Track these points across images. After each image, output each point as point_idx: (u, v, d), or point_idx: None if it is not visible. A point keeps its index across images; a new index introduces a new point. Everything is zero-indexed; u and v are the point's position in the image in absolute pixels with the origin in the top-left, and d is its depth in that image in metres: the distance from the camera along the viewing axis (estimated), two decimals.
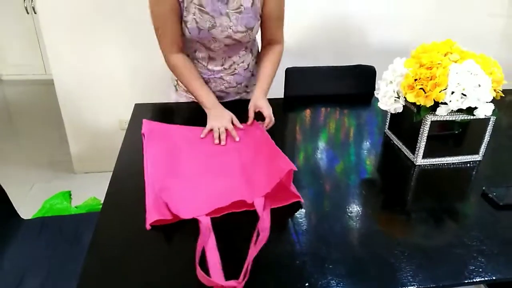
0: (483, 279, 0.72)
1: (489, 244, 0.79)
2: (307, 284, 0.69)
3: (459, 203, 0.94)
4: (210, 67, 1.29)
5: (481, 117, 0.97)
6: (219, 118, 1.17)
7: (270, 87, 1.28)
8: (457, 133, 1.11)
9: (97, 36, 1.98)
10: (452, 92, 0.94)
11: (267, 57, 1.30)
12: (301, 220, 0.85)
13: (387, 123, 1.21)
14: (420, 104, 0.98)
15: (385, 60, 1.15)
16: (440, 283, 0.70)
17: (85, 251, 0.75)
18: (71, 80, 2.07)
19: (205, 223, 0.79)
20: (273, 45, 1.31)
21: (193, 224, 0.80)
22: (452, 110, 0.97)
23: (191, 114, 1.30)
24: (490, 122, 1.04)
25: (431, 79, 0.95)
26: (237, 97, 1.41)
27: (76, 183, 2.26)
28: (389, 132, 1.20)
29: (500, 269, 0.74)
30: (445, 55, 1.01)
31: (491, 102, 0.97)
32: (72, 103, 2.13)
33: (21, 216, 1.24)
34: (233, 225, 0.82)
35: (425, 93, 0.96)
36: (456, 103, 0.94)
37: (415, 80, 0.98)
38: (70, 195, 1.74)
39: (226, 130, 1.14)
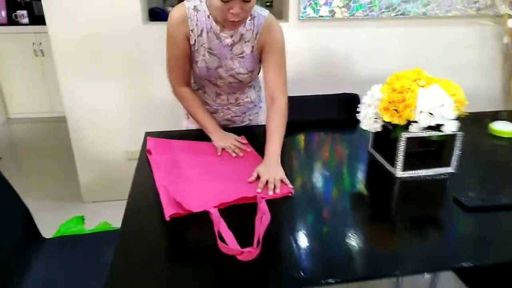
0: (455, 266, 0.85)
1: (460, 238, 0.93)
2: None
3: (434, 209, 1.08)
4: (218, 101, 1.47)
5: (448, 133, 1.13)
6: (224, 139, 1.35)
7: (278, 145, 1.24)
8: (433, 150, 1.26)
9: (105, 73, 2.17)
10: (421, 112, 1.10)
11: (271, 120, 1.30)
12: (295, 218, 0.98)
13: (370, 142, 1.37)
14: (396, 123, 1.14)
15: (368, 88, 1.32)
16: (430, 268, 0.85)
17: (104, 266, 0.86)
18: (82, 115, 2.24)
19: (215, 213, 0.96)
20: (274, 102, 1.33)
21: (204, 218, 0.97)
22: (423, 128, 1.13)
23: (201, 139, 1.42)
24: (458, 138, 1.19)
25: (402, 101, 1.12)
26: (242, 124, 1.58)
27: (85, 212, 2.37)
28: (373, 150, 1.36)
29: (468, 257, 0.87)
30: (414, 81, 1.18)
31: (457, 120, 1.13)
32: (82, 137, 2.29)
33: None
34: (238, 214, 1.00)
35: (398, 113, 1.12)
36: (425, 121, 1.10)
37: (389, 102, 1.14)
38: (83, 219, 1.85)
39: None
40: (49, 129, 3.65)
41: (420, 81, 1.17)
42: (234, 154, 1.30)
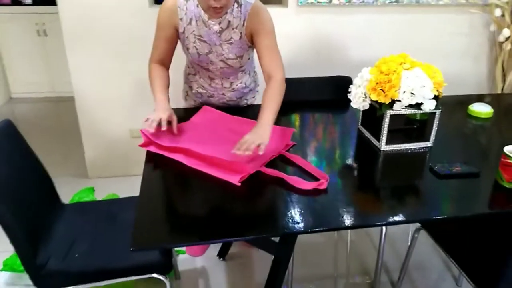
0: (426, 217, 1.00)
1: (431, 200, 1.09)
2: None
3: (413, 176, 1.23)
4: (212, 85, 1.59)
5: (426, 111, 1.27)
6: (158, 111, 1.33)
7: (271, 114, 1.30)
8: (416, 127, 1.41)
9: (112, 54, 2.27)
10: (404, 92, 1.24)
11: (265, 93, 1.37)
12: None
13: (359, 121, 1.51)
14: (381, 102, 1.28)
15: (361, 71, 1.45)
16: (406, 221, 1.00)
17: (120, 227, 0.98)
18: (90, 94, 2.35)
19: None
20: (271, 78, 1.40)
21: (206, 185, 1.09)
22: (406, 106, 1.27)
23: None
24: (436, 116, 1.34)
25: (388, 82, 1.25)
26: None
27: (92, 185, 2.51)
28: (362, 127, 1.50)
29: (436, 213, 1.04)
30: (400, 64, 1.31)
31: (435, 99, 1.27)
32: (89, 115, 2.40)
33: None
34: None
35: (384, 93, 1.26)
36: (407, 100, 1.24)
37: (377, 83, 1.28)
38: (94, 190, 1.99)
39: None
40: (51, 108, 3.74)
41: (405, 65, 1.30)
42: (152, 128, 1.26)
